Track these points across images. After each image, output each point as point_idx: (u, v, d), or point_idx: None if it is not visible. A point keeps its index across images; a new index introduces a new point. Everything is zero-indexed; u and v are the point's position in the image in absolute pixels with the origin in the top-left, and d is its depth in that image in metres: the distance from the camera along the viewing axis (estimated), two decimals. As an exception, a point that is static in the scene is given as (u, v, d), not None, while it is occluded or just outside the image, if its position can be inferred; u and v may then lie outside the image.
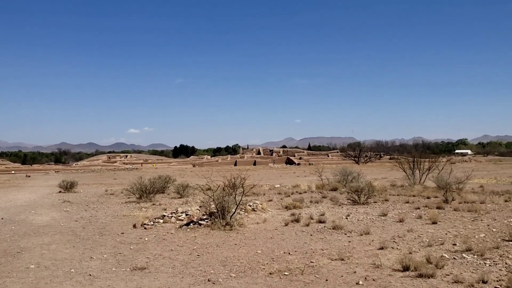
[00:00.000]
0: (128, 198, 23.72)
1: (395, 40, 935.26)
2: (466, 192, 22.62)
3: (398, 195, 22.21)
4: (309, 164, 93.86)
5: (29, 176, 54.27)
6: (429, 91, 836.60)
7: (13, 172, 68.27)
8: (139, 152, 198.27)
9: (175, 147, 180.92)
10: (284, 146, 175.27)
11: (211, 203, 13.75)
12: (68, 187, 28.16)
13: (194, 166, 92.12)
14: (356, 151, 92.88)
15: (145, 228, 13.09)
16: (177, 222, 13.94)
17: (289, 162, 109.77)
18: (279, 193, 24.17)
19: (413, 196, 21.63)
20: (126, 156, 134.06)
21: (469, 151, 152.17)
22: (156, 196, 22.49)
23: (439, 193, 21.87)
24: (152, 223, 13.57)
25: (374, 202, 18.76)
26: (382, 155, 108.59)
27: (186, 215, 14.52)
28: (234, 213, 13.08)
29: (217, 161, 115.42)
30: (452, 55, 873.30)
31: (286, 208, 16.97)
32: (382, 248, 9.50)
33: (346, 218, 14.09)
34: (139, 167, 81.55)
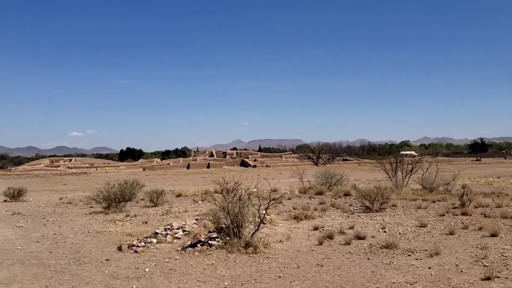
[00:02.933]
0: (91, 207, 20.19)
1: (337, 42, 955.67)
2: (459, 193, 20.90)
3: (397, 199, 20.08)
4: (266, 166, 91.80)
5: (-36, 183, 48.37)
6: (371, 94, 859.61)
7: None
8: (83, 155, 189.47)
9: (122, 150, 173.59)
10: (234, 148, 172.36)
11: (221, 215, 10.78)
12: (16, 195, 24.03)
13: (144, 170, 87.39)
14: (315, 153, 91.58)
15: (135, 252, 9.95)
16: (175, 241, 10.89)
17: (244, 164, 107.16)
18: (266, 199, 21.41)
19: (414, 200, 19.65)
20: (71, 160, 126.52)
21: (413, 152, 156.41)
22: (121, 205, 19.09)
23: (442, 196, 20.07)
24: (143, 244, 10.43)
25: (383, 208, 16.44)
26: (334, 157, 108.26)
27: (184, 231, 11.50)
28: (257, 229, 10.16)
29: (168, 164, 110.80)
30: (392, 58, 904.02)
31: (295, 218, 14.27)
32: (488, 279, 6.99)
33: (384, 231, 11.57)
34: (92, 171, 75.91)
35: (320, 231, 11.75)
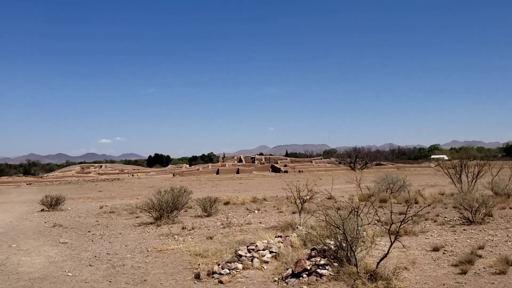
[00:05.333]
0: (137, 217, 18.14)
1: (361, 47, 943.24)
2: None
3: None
4: (299, 171, 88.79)
5: (-2, 190, 47.44)
6: (396, 97, 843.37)
7: (-22, 185, 60.76)
8: (112, 162, 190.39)
9: (150, 156, 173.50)
10: (261, 154, 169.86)
11: (324, 233, 8.40)
12: (53, 203, 22.15)
13: (174, 176, 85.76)
14: (351, 158, 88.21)
15: (220, 282, 7.64)
16: (264, 266, 8.54)
17: (275, 169, 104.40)
18: (327, 207, 18.96)
19: (503, 208, 16.97)
20: (101, 167, 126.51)
21: (444, 156, 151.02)
22: (174, 215, 16.84)
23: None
24: (227, 270, 8.11)
25: (484, 220, 13.77)
26: (367, 162, 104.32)
27: (271, 252, 9.15)
28: (386, 254, 7.66)
29: (198, 169, 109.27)
30: (419, 62, 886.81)
31: (391, 234, 11.75)
32: None
33: (530, 253, 8.96)
34: (130, 177, 74.52)
35: (444, 253, 9.25)
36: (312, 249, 8.82)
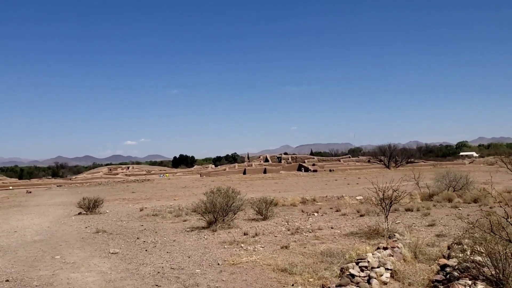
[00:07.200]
0: (184, 221, 16.43)
1: (386, 46, 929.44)
2: None
3: None
4: (329, 170, 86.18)
5: (30, 192, 46.44)
6: (421, 95, 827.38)
7: (11, 188, 60.19)
8: (138, 163, 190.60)
9: (175, 157, 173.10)
10: (285, 153, 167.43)
11: (470, 243, 6.42)
12: (91, 206, 20.56)
13: (201, 176, 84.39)
14: (386, 155, 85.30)
15: (341, 313, 5.73)
16: (385, 288, 6.59)
17: (302, 169, 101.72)
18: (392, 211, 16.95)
19: None
20: (128, 168, 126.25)
21: (473, 153, 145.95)
22: (229, 218, 14.99)
23: None
24: (342, 295, 6.19)
25: None
26: (397, 160, 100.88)
27: (386, 270, 7.18)
28: None
29: (224, 169, 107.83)
30: (444, 59, 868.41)
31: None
32: None
33: None
34: (162, 178, 73.38)
35: None
36: (443, 266, 6.82)
